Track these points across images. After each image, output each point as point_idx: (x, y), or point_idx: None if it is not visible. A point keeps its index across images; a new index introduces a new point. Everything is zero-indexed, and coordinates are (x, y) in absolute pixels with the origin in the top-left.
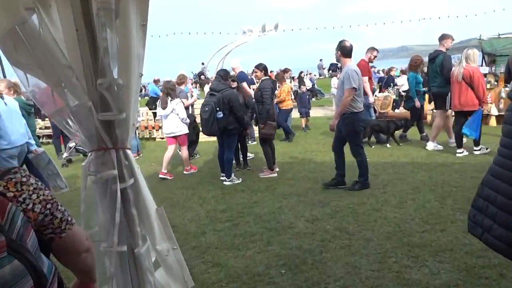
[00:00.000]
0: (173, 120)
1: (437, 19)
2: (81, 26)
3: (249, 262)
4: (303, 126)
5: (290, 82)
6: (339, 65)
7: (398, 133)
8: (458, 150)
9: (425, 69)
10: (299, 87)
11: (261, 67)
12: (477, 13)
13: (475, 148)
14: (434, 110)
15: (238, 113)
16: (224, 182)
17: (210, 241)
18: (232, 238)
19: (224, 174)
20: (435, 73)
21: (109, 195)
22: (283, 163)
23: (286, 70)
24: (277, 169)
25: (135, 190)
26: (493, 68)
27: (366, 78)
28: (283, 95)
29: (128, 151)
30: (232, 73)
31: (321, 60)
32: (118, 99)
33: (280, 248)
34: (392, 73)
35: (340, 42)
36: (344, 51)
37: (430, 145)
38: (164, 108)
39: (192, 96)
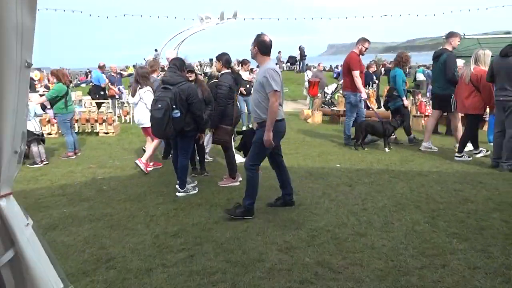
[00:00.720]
0: (141, 109)
1: (397, 16)
2: None
3: None
4: None
5: (249, 74)
6: (297, 57)
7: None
8: (457, 154)
9: (428, 70)
10: None
11: (223, 58)
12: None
13: (475, 151)
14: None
15: (197, 112)
16: (177, 193)
17: (158, 283)
18: (186, 279)
19: (178, 183)
20: (438, 72)
21: None
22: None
23: (244, 62)
24: (240, 179)
25: (16, 270)
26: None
27: (357, 72)
28: None
29: (5, 201)
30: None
31: (279, 52)
32: None
33: None
34: (371, 69)
35: (258, 36)
36: (263, 47)
37: (424, 146)
38: (133, 96)
39: None
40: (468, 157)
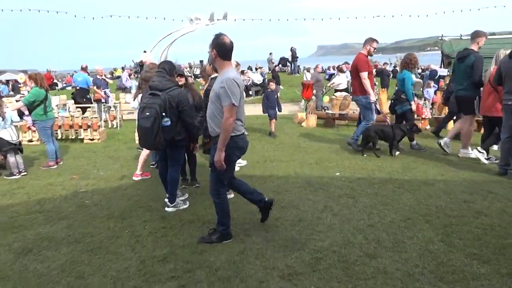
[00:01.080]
0: None
1: (390, 17)
2: None
3: None
4: (273, 130)
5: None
6: (289, 58)
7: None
8: (484, 157)
9: (419, 71)
10: (268, 84)
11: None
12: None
13: (486, 157)
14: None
15: (189, 120)
16: (166, 209)
17: None
18: None
19: (168, 197)
20: (463, 74)
21: None
22: (239, 177)
23: (235, 64)
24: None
25: None
26: (448, 71)
27: (365, 74)
28: None
29: None
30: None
31: (270, 53)
32: None
33: None
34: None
35: (217, 37)
36: (223, 50)
37: (462, 153)
38: (134, 99)
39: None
40: (496, 159)
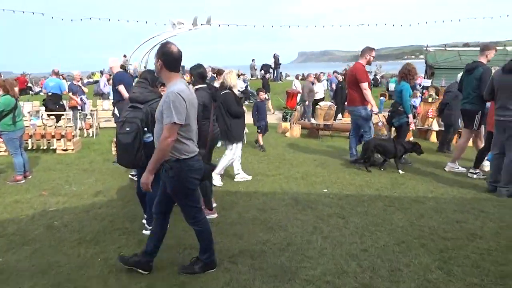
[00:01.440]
0: None
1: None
2: None
3: None
4: (261, 143)
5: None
6: (271, 65)
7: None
8: (472, 171)
9: (418, 81)
10: (257, 94)
11: (197, 72)
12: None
13: (471, 170)
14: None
15: None
16: (144, 231)
17: None
18: None
19: (146, 218)
20: (470, 87)
21: None
22: (222, 194)
23: (219, 72)
24: (215, 204)
25: None
26: (432, 81)
27: (366, 84)
28: None
29: None
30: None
31: (253, 60)
32: None
33: None
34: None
35: (163, 45)
36: (169, 60)
37: (449, 166)
38: None
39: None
40: (483, 175)
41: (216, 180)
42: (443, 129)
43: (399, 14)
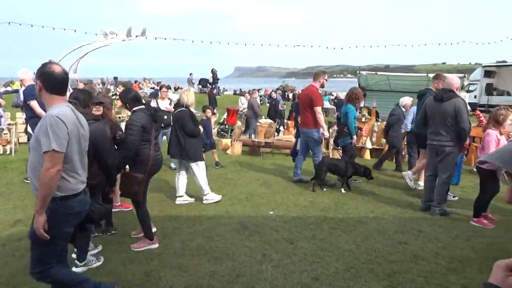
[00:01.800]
0: None
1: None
2: None
3: None
4: (216, 159)
5: (169, 104)
6: (209, 80)
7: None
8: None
9: (362, 104)
10: (203, 111)
11: (128, 99)
12: (335, 47)
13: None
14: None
15: (108, 161)
16: (74, 269)
17: None
18: None
19: (77, 253)
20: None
21: None
22: (163, 220)
23: (160, 87)
24: (155, 229)
25: None
26: (363, 103)
27: (320, 108)
28: None
29: None
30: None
31: (191, 74)
32: None
33: None
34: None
35: (44, 65)
36: (50, 81)
37: (406, 175)
38: None
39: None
40: (453, 196)
41: (214, 195)
42: (376, 147)
43: (329, 36)
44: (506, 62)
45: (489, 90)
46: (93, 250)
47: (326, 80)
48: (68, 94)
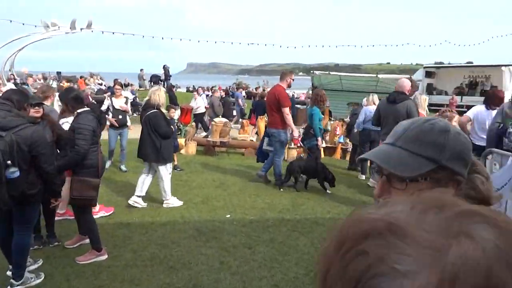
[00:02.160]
0: None
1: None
2: None
3: None
4: (175, 162)
5: (125, 103)
6: (161, 77)
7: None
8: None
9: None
10: (168, 111)
11: (69, 99)
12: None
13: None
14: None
15: (47, 168)
16: None
17: None
18: None
19: (12, 270)
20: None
21: None
22: (113, 227)
23: (114, 83)
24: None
25: None
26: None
27: (287, 109)
28: None
29: None
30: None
31: (141, 70)
32: None
33: None
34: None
35: None
36: None
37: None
38: None
39: None
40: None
41: (175, 200)
42: (329, 145)
43: (281, 35)
44: (443, 63)
45: (430, 89)
46: (32, 265)
47: (293, 80)
48: (4, 89)
